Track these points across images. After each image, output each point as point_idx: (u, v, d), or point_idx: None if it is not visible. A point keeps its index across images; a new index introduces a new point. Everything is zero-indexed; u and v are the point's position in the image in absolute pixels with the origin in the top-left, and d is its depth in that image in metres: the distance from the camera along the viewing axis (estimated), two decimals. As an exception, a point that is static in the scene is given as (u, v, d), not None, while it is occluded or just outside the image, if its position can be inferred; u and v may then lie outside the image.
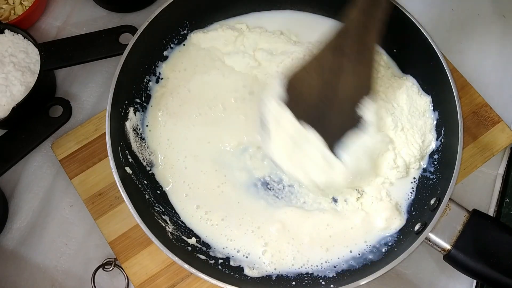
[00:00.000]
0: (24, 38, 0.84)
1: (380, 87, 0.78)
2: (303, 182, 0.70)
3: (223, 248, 0.74)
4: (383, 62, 0.81)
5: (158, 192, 0.77)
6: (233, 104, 0.81)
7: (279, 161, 0.68)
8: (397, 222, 0.73)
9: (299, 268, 0.72)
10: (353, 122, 0.68)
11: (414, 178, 0.77)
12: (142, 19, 0.77)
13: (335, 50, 0.67)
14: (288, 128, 0.67)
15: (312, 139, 0.67)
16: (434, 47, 0.74)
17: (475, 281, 0.80)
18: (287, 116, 0.67)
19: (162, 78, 0.82)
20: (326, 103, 0.67)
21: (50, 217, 0.82)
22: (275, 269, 0.72)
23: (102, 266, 0.79)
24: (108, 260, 0.79)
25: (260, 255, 0.73)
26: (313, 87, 0.68)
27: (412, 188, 0.76)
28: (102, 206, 0.79)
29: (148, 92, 0.81)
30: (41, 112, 0.82)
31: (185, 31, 0.84)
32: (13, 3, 0.90)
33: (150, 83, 0.82)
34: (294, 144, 0.67)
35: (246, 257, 0.73)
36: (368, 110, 0.68)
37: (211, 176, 0.77)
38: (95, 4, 0.95)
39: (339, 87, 0.67)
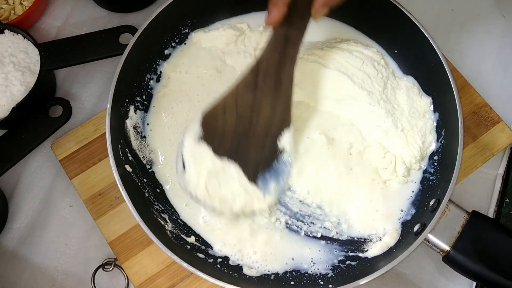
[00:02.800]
0: (24, 38, 0.84)
1: (379, 88, 0.78)
2: (218, 208, 0.68)
3: (221, 249, 0.74)
4: (384, 63, 0.81)
5: (158, 190, 0.77)
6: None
7: (193, 190, 0.68)
8: (392, 241, 0.73)
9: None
10: (275, 153, 0.69)
11: (414, 180, 0.76)
12: (142, 19, 0.77)
13: (249, 86, 0.69)
14: (205, 162, 0.67)
15: (231, 171, 0.68)
16: (435, 47, 0.74)
17: (474, 282, 0.80)
18: (204, 150, 0.68)
19: (163, 77, 0.82)
20: (244, 136, 0.69)
21: (50, 217, 0.82)
22: (273, 268, 0.73)
23: (102, 266, 0.79)
24: (108, 260, 0.79)
25: (259, 254, 0.73)
26: (228, 122, 0.69)
27: (412, 189, 0.76)
28: (102, 206, 0.79)
29: (149, 90, 0.81)
30: (41, 112, 0.82)
31: (186, 30, 0.84)
32: (13, 3, 0.90)
33: (151, 81, 0.82)
34: (210, 175, 0.67)
35: (246, 257, 0.73)
36: (286, 143, 0.69)
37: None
38: (95, 4, 0.95)
39: (257, 121, 0.69)
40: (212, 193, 0.67)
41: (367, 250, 0.73)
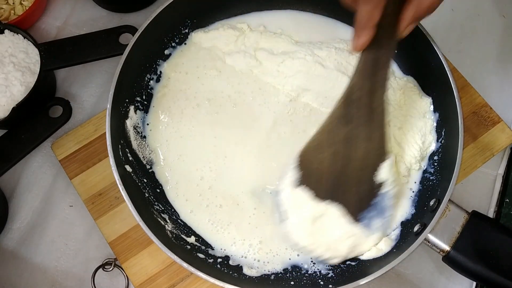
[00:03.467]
0: (24, 38, 0.84)
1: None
2: (326, 256, 0.69)
3: (221, 249, 0.74)
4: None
5: (158, 190, 0.77)
6: (233, 104, 0.81)
7: (298, 240, 0.68)
8: (387, 245, 0.72)
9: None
10: (375, 187, 0.67)
11: (414, 180, 0.76)
12: (142, 19, 0.77)
13: (342, 119, 0.66)
14: (307, 208, 0.67)
15: (334, 214, 0.67)
16: (434, 47, 0.74)
17: (474, 282, 0.80)
18: (304, 196, 0.68)
19: (163, 77, 0.82)
20: (343, 174, 0.67)
21: (50, 217, 0.82)
22: (273, 267, 0.73)
23: (102, 266, 0.79)
24: (108, 260, 0.79)
25: (258, 254, 0.73)
26: (325, 161, 0.67)
27: (412, 189, 0.76)
28: (102, 206, 0.79)
29: (149, 91, 0.81)
30: (41, 112, 0.82)
31: (186, 30, 0.84)
32: (13, 3, 0.90)
33: (151, 82, 0.82)
34: (315, 221, 0.67)
35: (245, 257, 0.73)
36: (385, 176, 0.67)
37: (210, 177, 0.77)
38: (95, 4, 0.95)
39: (354, 155, 0.66)
40: (318, 241, 0.67)
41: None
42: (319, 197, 0.68)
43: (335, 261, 0.70)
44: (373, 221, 0.69)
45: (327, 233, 0.68)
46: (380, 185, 0.68)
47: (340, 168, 0.67)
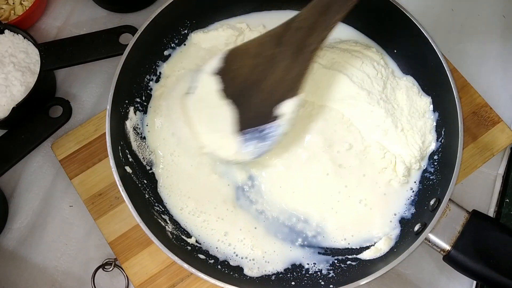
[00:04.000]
0: (24, 38, 0.84)
1: (379, 87, 0.78)
2: (193, 132, 0.72)
3: (217, 248, 0.74)
4: (383, 63, 0.81)
5: (158, 191, 0.77)
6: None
7: (190, 105, 0.72)
8: (386, 245, 0.73)
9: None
10: (273, 115, 0.68)
11: (414, 179, 0.76)
12: (142, 19, 0.77)
13: (274, 39, 0.67)
14: (211, 94, 0.70)
15: (227, 113, 0.69)
16: (434, 47, 0.74)
17: (475, 282, 0.80)
18: (215, 84, 0.70)
19: (162, 78, 0.82)
20: (252, 87, 0.68)
21: (50, 217, 0.83)
22: (274, 268, 0.73)
23: (102, 266, 0.79)
24: (108, 260, 0.79)
25: (257, 256, 0.73)
26: (244, 67, 0.69)
27: (412, 188, 0.76)
28: (102, 206, 0.79)
29: (148, 91, 0.81)
30: (41, 112, 0.82)
31: (186, 31, 0.84)
32: (13, 3, 0.90)
33: (151, 82, 0.82)
34: (210, 106, 0.70)
35: (245, 258, 0.73)
36: (286, 110, 0.67)
37: (208, 177, 0.77)
38: (95, 4, 0.95)
39: (269, 76, 0.67)
40: (199, 119, 0.70)
41: (362, 253, 0.73)
42: (224, 93, 0.69)
43: (195, 145, 0.72)
44: (250, 141, 0.69)
45: (211, 120, 0.70)
46: (276, 116, 0.68)
47: (252, 80, 0.68)
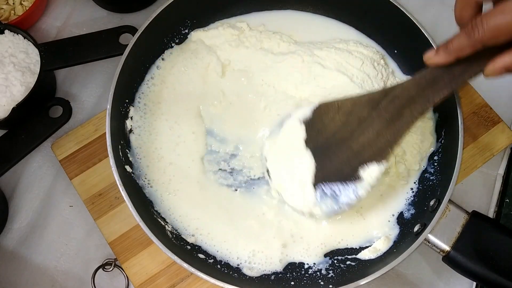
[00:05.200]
0: (24, 38, 0.84)
1: (379, 88, 0.77)
2: (272, 186, 0.73)
3: (217, 251, 0.74)
4: (384, 63, 0.81)
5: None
6: (231, 104, 0.81)
7: (268, 156, 0.72)
8: (384, 245, 0.73)
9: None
10: (352, 177, 0.67)
11: (414, 180, 0.77)
12: (142, 19, 0.77)
13: (371, 102, 0.66)
14: (296, 141, 0.69)
15: (306, 164, 0.69)
16: (434, 48, 0.74)
17: (474, 282, 0.80)
18: (300, 132, 0.70)
19: (163, 77, 0.82)
20: (338, 144, 0.67)
21: (50, 217, 0.82)
22: (273, 268, 0.73)
23: (102, 266, 0.79)
24: (108, 260, 0.79)
25: (256, 256, 0.73)
26: (334, 122, 0.68)
27: (412, 189, 0.76)
28: (102, 206, 0.79)
29: (149, 91, 0.81)
30: (41, 113, 0.82)
31: (186, 30, 0.84)
32: (13, 3, 0.90)
33: (151, 81, 0.81)
34: (290, 156, 0.70)
35: (244, 257, 0.73)
36: (369, 175, 0.66)
37: (205, 175, 0.78)
38: (95, 5, 0.95)
39: (357, 137, 0.66)
40: (279, 169, 0.70)
41: (360, 252, 0.73)
42: (306, 143, 0.69)
43: (277, 196, 0.73)
44: (324, 199, 0.68)
45: (288, 171, 0.70)
46: (357, 178, 0.66)
47: (341, 136, 0.68)
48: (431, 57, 0.59)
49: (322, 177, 0.68)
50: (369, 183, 0.66)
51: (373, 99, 0.66)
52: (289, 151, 0.70)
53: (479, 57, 0.56)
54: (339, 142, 0.68)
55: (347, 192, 0.67)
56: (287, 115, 0.73)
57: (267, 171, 0.73)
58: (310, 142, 0.69)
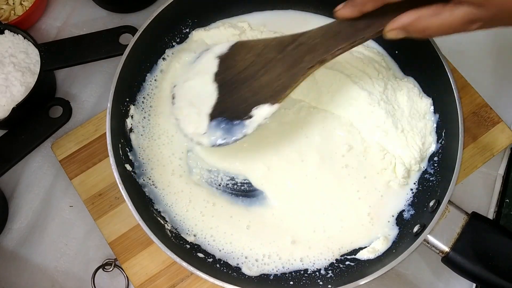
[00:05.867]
0: (24, 38, 0.84)
1: (380, 88, 0.78)
2: (175, 106, 0.74)
3: (219, 250, 0.74)
4: (384, 64, 0.81)
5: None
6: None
7: (177, 83, 0.75)
8: (383, 246, 0.73)
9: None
10: (245, 114, 0.68)
11: (414, 181, 0.76)
12: (142, 19, 0.77)
13: (279, 46, 0.68)
14: (204, 73, 0.72)
15: (209, 96, 0.70)
16: (435, 48, 0.74)
17: (473, 284, 0.80)
18: (211, 67, 0.72)
19: (163, 76, 0.82)
20: (243, 82, 0.69)
21: (50, 217, 0.83)
22: (271, 267, 0.73)
23: (102, 266, 0.79)
24: (108, 260, 0.79)
25: (256, 255, 0.73)
26: (244, 61, 0.70)
27: (411, 189, 0.76)
28: (102, 206, 0.79)
29: (149, 90, 0.81)
30: (41, 113, 0.82)
31: (187, 29, 0.84)
32: (13, 3, 0.90)
33: (152, 81, 0.81)
34: (195, 84, 0.72)
35: (244, 257, 0.73)
36: (259, 115, 0.68)
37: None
38: (95, 5, 0.95)
39: (259, 76, 0.68)
40: (183, 94, 0.72)
41: (358, 252, 0.73)
42: (215, 76, 0.71)
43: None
44: (214, 130, 0.69)
45: (190, 98, 0.72)
46: (250, 116, 0.68)
47: (245, 75, 0.69)
48: (338, 10, 0.62)
49: (219, 110, 0.69)
50: (257, 122, 0.67)
51: (281, 42, 0.68)
52: (197, 81, 0.72)
53: (382, 16, 0.59)
54: (243, 79, 0.69)
55: (236, 128, 0.68)
56: (206, 48, 0.75)
57: (173, 96, 0.74)
58: (218, 76, 0.71)
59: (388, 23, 0.58)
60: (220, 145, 0.69)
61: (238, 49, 0.72)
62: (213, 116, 0.69)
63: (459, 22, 0.55)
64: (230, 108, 0.69)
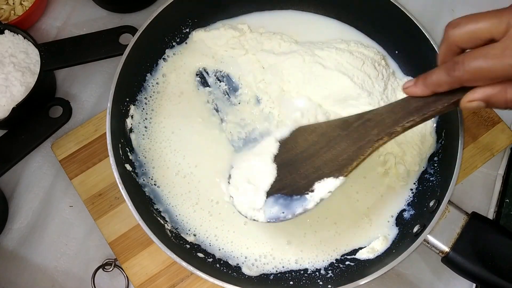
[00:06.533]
0: (24, 38, 0.84)
1: (380, 88, 0.78)
2: (228, 190, 0.73)
3: (219, 249, 0.74)
4: (384, 63, 0.81)
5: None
6: (231, 104, 0.81)
7: (234, 164, 0.74)
8: (382, 246, 0.73)
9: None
10: (306, 189, 0.65)
11: (413, 181, 0.77)
12: (142, 19, 0.77)
13: (346, 124, 0.65)
14: (264, 155, 0.71)
15: (266, 176, 0.69)
16: (435, 48, 0.74)
17: (473, 284, 0.80)
18: (272, 150, 0.71)
19: (163, 76, 0.82)
20: (305, 160, 0.67)
21: (50, 217, 0.83)
22: (271, 267, 0.73)
23: (102, 266, 0.79)
24: (108, 260, 0.79)
25: (256, 255, 0.74)
26: (307, 141, 0.69)
27: (411, 190, 0.76)
28: (102, 206, 0.79)
29: (149, 90, 0.81)
30: (41, 113, 0.82)
31: (187, 30, 0.84)
32: (13, 3, 0.90)
33: (152, 81, 0.82)
34: (254, 167, 0.71)
35: (243, 257, 0.73)
36: (322, 188, 0.64)
37: (207, 179, 0.78)
38: (95, 5, 0.95)
39: (322, 153, 0.66)
40: (241, 173, 0.71)
41: (357, 252, 0.73)
42: (275, 157, 0.70)
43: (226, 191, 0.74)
44: (271, 206, 0.67)
45: (248, 179, 0.71)
46: (311, 190, 0.65)
47: (307, 154, 0.68)
48: (408, 87, 0.58)
49: (278, 187, 0.67)
50: (320, 195, 0.64)
51: (346, 121, 0.66)
52: (256, 162, 0.71)
53: (454, 91, 0.54)
54: (304, 158, 0.67)
55: (296, 203, 0.65)
56: (267, 133, 0.75)
57: (229, 176, 0.73)
58: (278, 157, 0.70)
59: (467, 93, 0.52)
60: (280, 220, 0.66)
61: (300, 132, 0.71)
62: (271, 193, 0.67)
63: None
64: (289, 185, 0.67)
